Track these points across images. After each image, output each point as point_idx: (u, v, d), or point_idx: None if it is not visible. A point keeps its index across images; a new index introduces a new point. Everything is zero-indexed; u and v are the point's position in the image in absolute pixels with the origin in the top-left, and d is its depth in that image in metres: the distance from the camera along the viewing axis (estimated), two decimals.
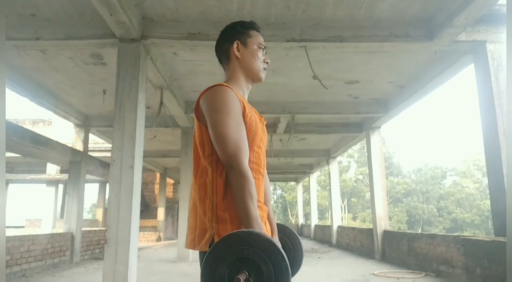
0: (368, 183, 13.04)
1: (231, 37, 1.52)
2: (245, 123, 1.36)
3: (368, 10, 4.58)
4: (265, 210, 1.44)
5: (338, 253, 10.72)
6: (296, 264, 1.55)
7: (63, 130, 11.96)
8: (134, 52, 4.57)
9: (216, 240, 1.24)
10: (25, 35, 4.66)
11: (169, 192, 19.14)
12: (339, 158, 14.45)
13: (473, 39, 4.92)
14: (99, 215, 17.90)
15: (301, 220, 23.87)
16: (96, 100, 7.58)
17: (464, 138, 68.43)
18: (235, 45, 1.51)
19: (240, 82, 1.52)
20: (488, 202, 31.61)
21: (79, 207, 8.74)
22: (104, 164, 10.53)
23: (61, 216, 17.72)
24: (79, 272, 7.16)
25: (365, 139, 9.78)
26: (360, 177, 39.90)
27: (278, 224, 1.57)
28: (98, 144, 12.66)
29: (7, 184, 15.48)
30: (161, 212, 16.97)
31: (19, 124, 9.41)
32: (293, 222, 35.30)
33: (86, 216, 40.03)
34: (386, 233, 8.51)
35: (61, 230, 9.90)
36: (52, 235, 7.75)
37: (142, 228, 15.95)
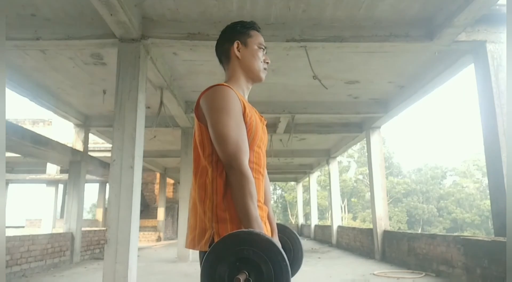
0: (368, 183, 13.04)
1: (232, 37, 1.52)
2: (246, 123, 1.36)
3: (368, 10, 4.58)
4: (265, 210, 1.44)
5: (338, 253, 10.72)
6: (296, 264, 1.55)
7: (63, 130, 11.97)
8: (134, 52, 4.57)
9: (216, 240, 1.24)
10: (25, 35, 4.66)
11: (169, 192, 19.14)
12: (339, 158, 14.45)
13: (473, 39, 4.92)
14: (99, 215, 17.90)
15: (301, 220, 23.87)
16: (96, 100, 7.58)
17: (464, 138, 68.48)
18: (235, 45, 1.51)
19: (240, 82, 1.52)
20: (488, 202, 31.61)
21: (79, 207, 8.74)
22: (104, 164, 10.53)
23: (61, 216, 17.72)
24: (79, 272, 7.16)
25: (365, 139, 9.78)
26: (360, 177, 39.90)
27: (278, 224, 1.57)
28: (98, 144, 12.66)
29: (7, 184, 15.48)
30: (161, 212, 16.97)
31: (19, 124, 9.41)
32: (293, 222, 35.30)
33: (86, 216, 40.04)
34: (386, 233, 8.51)
35: (61, 230, 9.91)
36: (52, 235, 7.76)
37: (142, 228, 15.95)
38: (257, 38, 1.55)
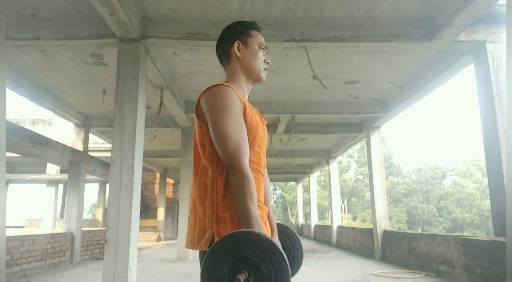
0: (368, 183, 13.04)
1: (232, 37, 1.52)
2: (246, 123, 1.36)
3: (368, 10, 4.58)
4: (265, 210, 1.44)
5: (338, 253, 10.72)
6: (296, 264, 1.55)
7: (63, 130, 11.97)
8: (134, 52, 4.57)
9: (216, 239, 1.24)
10: (25, 35, 4.66)
11: (169, 192, 19.14)
12: (339, 158, 14.45)
13: (473, 39, 4.92)
14: (99, 215, 17.90)
15: (301, 220, 23.87)
16: (96, 100, 7.58)
17: (464, 138, 68.48)
18: (235, 45, 1.51)
19: (241, 82, 1.52)
20: (488, 202, 31.61)
21: (79, 207, 8.74)
22: (104, 164, 10.53)
23: (61, 216, 17.72)
24: (79, 272, 7.16)
25: (365, 139, 9.78)
26: (360, 177, 39.90)
27: (278, 224, 1.57)
28: (98, 144, 12.66)
29: (7, 184, 15.48)
30: (161, 212, 16.97)
31: (19, 124, 9.41)
32: (293, 222, 35.30)
33: (86, 216, 40.03)
34: (386, 233, 8.51)
35: (61, 230, 9.91)
36: (52, 235, 7.76)
37: (142, 228, 15.95)
38: (258, 38, 1.55)
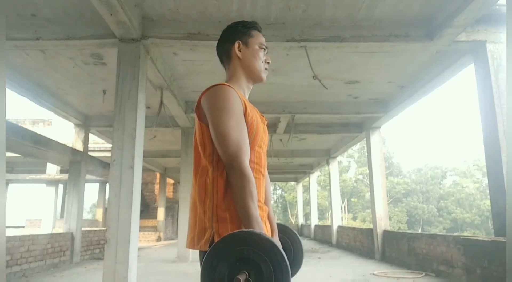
0: (368, 183, 13.04)
1: (233, 37, 1.52)
2: (247, 123, 1.36)
3: (368, 10, 4.58)
4: (265, 210, 1.44)
5: (338, 253, 10.72)
6: (296, 264, 1.55)
7: (63, 130, 11.97)
8: (134, 52, 4.57)
9: (216, 239, 1.24)
10: (25, 35, 4.66)
11: (169, 192, 19.15)
12: (339, 158, 14.45)
13: (473, 39, 4.92)
14: (99, 215, 17.90)
15: (301, 220, 23.87)
16: (96, 100, 7.59)
17: (464, 138, 68.48)
18: (236, 45, 1.51)
19: (241, 82, 1.51)
20: (488, 202, 31.61)
21: (79, 207, 8.74)
22: (104, 164, 10.53)
23: (61, 216, 17.72)
24: (79, 272, 7.16)
25: (365, 139, 9.78)
26: (360, 177, 39.90)
27: (278, 224, 1.57)
28: (98, 144, 12.66)
29: (7, 184, 15.48)
30: (161, 212, 16.97)
31: (19, 124, 9.41)
32: (293, 222, 35.30)
33: (86, 216, 40.03)
34: (386, 233, 8.51)
35: (61, 230, 9.91)
36: (52, 235, 7.76)
37: (142, 228, 15.95)
38: (258, 38, 1.55)
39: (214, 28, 4.65)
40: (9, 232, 11.92)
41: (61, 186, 16.14)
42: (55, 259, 7.68)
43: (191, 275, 6.54)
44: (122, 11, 3.96)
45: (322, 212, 37.03)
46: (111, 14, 4.01)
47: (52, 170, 13.38)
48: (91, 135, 9.83)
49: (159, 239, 16.44)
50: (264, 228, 1.27)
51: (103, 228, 11.16)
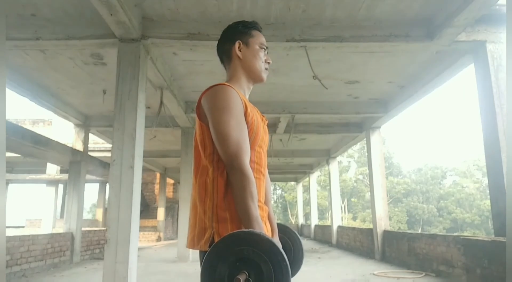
0: (368, 183, 13.04)
1: (233, 37, 1.52)
2: (247, 122, 1.36)
3: (368, 10, 4.58)
4: (266, 210, 1.44)
5: (338, 253, 10.72)
6: (296, 264, 1.55)
7: (63, 130, 11.97)
8: (134, 52, 4.57)
9: (216, 239, 1.24)
10: (25, 35, 4.66)
11: (169, 192, 19.15)
12: (339, 158, 14.45)
13: (473, 39, 4.92)
14: (99, 215, 17.90)
15: (301, 220, 23.87)
16: (96, 100, 7.59)
17: (464, 139, 68.47)
18: (236, 45, 1.50)
19: (242, 82, 1.51)
20: (488, 202, 31.61)
21: (79, 207, 8.74)
22: (104, 164, 10.53)
23: (61, 216, 17.73)
24: (79, 272, 7.16)
25: (365, 139, 9.78)
26: (360, 177, 39.90)
27: (278, 224, 1.57)
28: (98, 144, 12.66)
29: (7, 184, 15.48)
30: (161, 212, 16.97)
31: (19, 124, 9.41)
32: (293, 222, 35.31)
33: (86, 216, 40.04)
34: (386, 233, 8.51)
35: (61, 230, 9.91)
36: (52, 235, 7.76)
37: (142, 228, 15.96)
38: (259, 38, 1.55)
39: (214, 28, 4.65)
40: (9, 232, 11.92)
41: (61, 186, 16.14)
42: (55, 259, 7.68)
43: (191, 275, 6.54)
44: (122, 11, 3.96)
45: (322, 212, 37.03)
46: (111, 14, 4.01)
47: (52, 170, 13.38)
48: (91, 135, 9.83)
49: (159, 239, 16.44)
50: (264, 228, 1.27)
51: (103, 228, 11.16)
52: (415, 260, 6.90)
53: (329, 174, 14.11)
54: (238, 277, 1.04)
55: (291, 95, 7.57)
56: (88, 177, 10.93)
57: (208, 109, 1.34)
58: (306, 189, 23.82)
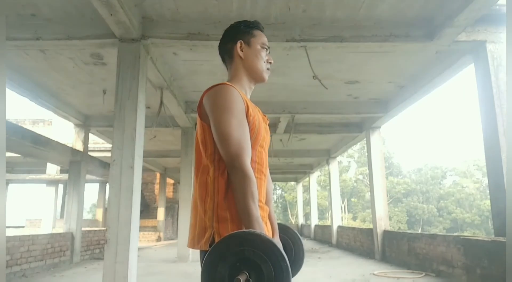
0: (368, 183, 13.04)
1: (235, 37, 1.52)
2: (248, 122, 1.36)
3: (368, 10, 4.58)
4: (266, 210, 1.44)
5: (338, 253, 10.72)
6: (297, 265, 1.55)
7: (63, 130, 11.97)
8: (134, 52, 4.57)
9: (216, 239, 1.24)
10: (25, 35, 4.66)
11: (169, 192, 19.14)
12: (339, 158, 14.45)
13: (473, 39, 4.92)
14: (99, 215, 17.90)
15: (301, 220, 23.87)
16: (96, 100, 7.58)
17: (464, 138, 68.48)
18: (238, 44, 1.50)
19: (243, 82, 1.51)
20: (488, 202, 31.61)
21: (79, 207, 8.74)
22: (104, 164, 10.53)
23: (61, 216, 17.73)
24: (79, 272, 7.16)
25: (365, 139, 9.78)
26: (360, 177, 39.90)
27: (279, 224, 1.57)
28: (98, 144, 12.66)
29: (7, 184, 15.48)
30: (161, 212, 16.97)
31: (19, 124, 9.41)
32: (293, 222, 35.30)
33: (86, 216, 40.03)
34: (386, 233, 8.51)
35: (61, 230, 9.90)
36: (52, 235, 7.75)
37: (142, 228, 15.95)
38: (261, 38, 1.54)
39: (214, 28, 4.65)
40: (9, 232, 11.92)
41: (61, 186, 16.14)
42: (55, 259, 7.68)
43: (191, 275, 6.54)
44: (122, 11, 3.96)
45: (322, 212, 37.03)
46: (111, 14, 4.01)
47: (52, 170, 13.38)
48: (91, 135, 9.83)
49: (159, 239, 16.44)
50: (265, 228, 1.27)
51: (103, 228, 11.16)
52: (415, 260, 6.90)
53: (329, 174, 14.11)
54: (239, 278, 1.04)
55: (291, 95, 7.57)
56: (88, 177, 10.93)
57: (210, 109, 1.34)
58: (306, 189, 23.82)
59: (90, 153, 10.17)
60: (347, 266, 7.74)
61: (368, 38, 4.79)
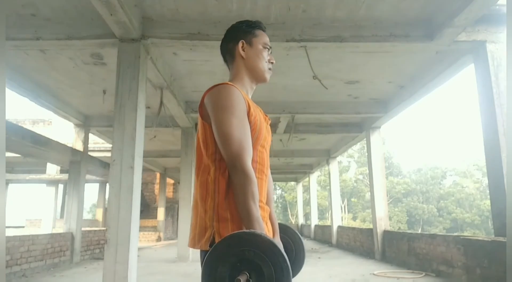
0: (368, 183, 13.04)
1: (237, 36, 1.51)
2: (250, 122, 1.35)
3: (368, 10, 4.58)
4: (267, 210, 1.43)
5: (338, 253, 10.72)
6: (297, 265, 1.55)
7: (63, 130, 11.96)
8: (134, 52, 4.57)
9: (216, 239, 1.24)
10: (25, 35, 4.66)
11: (169, 192, 19.14)
12: (339, 158, 14.45)
13: (473, 39, 4.92)
14: (99, 215, 17.90)
15: (301, 220, 23.87)
16: (96, 100, 7.58)
17: (464, 139, 68.48)
18: (240, 44, 1.50)
19: (245, 82, 1.51)
20: (488, 202, 31.62)
21: (79, 207, 8.74)
22: (104, 164, 10.52)
23: (61, 216, 17.73)
24: (79, 272, 7.16)
25: (365, 139, 9.78)
26: (360, 177, 39.90)
27: (280, 224, 1.57)
28: (98, 144, 12.66)
29: (7, 184, 15.48)
30: (161, 212, 16.97)
31: (19, 124, 9.41)
32: (293, 222, 35.30)
33: (86, 216, 40.02)
34: (386, 233, 8.51)
35: (61, 230, 9.91)
36: (52, 235, 7.75)
37: (142, 228, 15.95)
38: (262, 38, 1.54)
39: (214, 28, 4.65)
40: (9, 232, 11.92)
41: (61, 186, 16.14)
42: (55, 259, 7.68)
43: (191, 275, 6.54)
44: (122, 11, 3.95)
45: (322, 212, 37.03)
46: (111, 14, 4.00)
47: (52, 170, 13.38)
48: (91, 135, 9.82)
49: (159, 239, 16.44)
50: (265, 229, 1.26)
51: (103, 228, 11.15)
52: (415, 260, 6.90)
53: (329, 174, 14.11)
54: (239, 278, 1.03)
55: (291, 95, 7.57)
56: (88, 177, 10.93)
57: (211, 109, 1.34)
58: (306, 189, 23.82)
59: (90, 153, 10.16)
60: (347, 266, 7.74)
61: (368, 38, 4.79)
